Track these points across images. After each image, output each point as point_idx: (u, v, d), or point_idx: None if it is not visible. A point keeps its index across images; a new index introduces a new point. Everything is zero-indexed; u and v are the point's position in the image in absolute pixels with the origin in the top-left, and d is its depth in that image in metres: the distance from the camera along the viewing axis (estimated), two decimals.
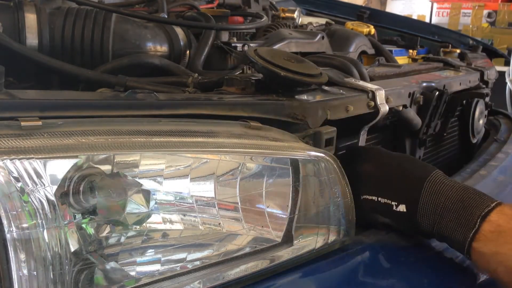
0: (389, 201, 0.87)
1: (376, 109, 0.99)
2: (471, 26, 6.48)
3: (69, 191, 0.60)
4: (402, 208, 0.86)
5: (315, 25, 1.83)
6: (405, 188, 0.87)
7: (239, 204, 0.76)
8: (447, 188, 0.84)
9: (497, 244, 0.78)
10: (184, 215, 0.72)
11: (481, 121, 1.66)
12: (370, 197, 0.89)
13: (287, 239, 0.79)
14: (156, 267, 0.68)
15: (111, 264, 0.64)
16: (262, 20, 1.40)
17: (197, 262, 0.71)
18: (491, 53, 2.18)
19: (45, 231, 0.56)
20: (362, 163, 0.93)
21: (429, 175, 0.86)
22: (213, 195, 0.74)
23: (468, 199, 0.82)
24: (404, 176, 0.88)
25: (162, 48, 1.18)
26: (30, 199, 0.55)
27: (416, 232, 0.88)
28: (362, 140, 1.06)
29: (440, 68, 1.57)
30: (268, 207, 0.78)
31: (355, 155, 0.96)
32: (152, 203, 0.67)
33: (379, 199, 0.88)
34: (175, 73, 1.10)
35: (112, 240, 0.65)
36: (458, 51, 1.88)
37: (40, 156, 0.55)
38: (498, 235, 0.78)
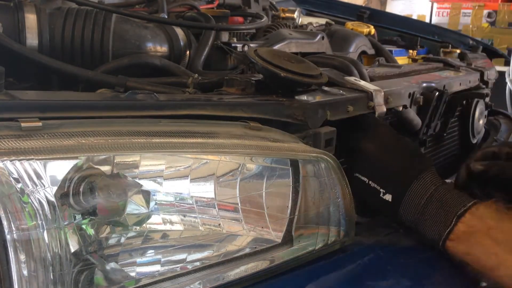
0: (378, 187, 0.89)
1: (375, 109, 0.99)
2: (471, 26, 6.48)
3: (69, 192, 0.60)
4: (388, 197, 0.88)
5: (315, 25, 1.83)
6: (395, 180, 0.88)
7: (239, 204, 0.76)
8: (433, 187, 0.86)
9: (469, 245, 0.80)
10: (184, 216, 0.72)
11: (481, 121, 1.66)
12: (362, 177, 0.90)
13: (287, 240, 0.79)
14: (156, 267, 0.68)
15: (111, 265, 0.64)
16: (262, 20, 1.40)
17: (197, 263, 0.71)
18: (491, 53, 2.18)
19: (45, 232, 0.56)
20: (366, 138, 0.93)
21: (420, 174, 0.87)
22: (213, 196, 0.74)
23: (447, 199, 0.84)
24: (399, 167, 0.89)
25: (162, 49, 1.18)
26: (30, 200, 0.55)
27: (396, 221, 0.91)
28: None
29: (440, 68, 1.57)
30: (268, 207, 0.78)
31: (365, 125, 0.96)
32: (152, 203, 0.67)
33: (370, 182, 0.90)
34: (175, 73, 1.10)
35: (112, 241, 0.65)
36: (458, 51, 1.88)
37: (40, 157, 0.55)
38: (470, 235, 0.80)
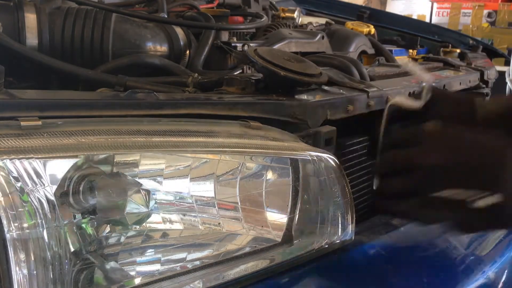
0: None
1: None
2: (471, 26, 6.48)
3: (68, 191, 0.60)
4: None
5: (315, 25, 1.83)
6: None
7: (239, 204, 0.76)
8: None
9: None
10: (184, 215, 0.72)
11: None
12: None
13: (287, 239, 0.79)
14: (156, 267, 0.68)
15: (111, 264, 0.64)
16: (262, 20, 1.40)
17: (197, 262, 0.71)
18: (491, 53, 2.18)
19: (44, 231, 0.56)
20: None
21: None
22: (213, 195, 0.74)
23: None
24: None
25: (162, 48, 1.18)
26: (29, 199, 0.55)
27: None
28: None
29: (440, 68, 1.57)
30: (268, 207, 0.78)
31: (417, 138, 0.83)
32: (152, 203, 0.67)
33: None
34: (175, 73, 1.10)
35: (112, 240, 0.65)
36: (458, 51, 1.88)
37: (39, 156, 0.55)
38: None
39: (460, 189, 0.75)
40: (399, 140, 0.85)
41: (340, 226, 0.81)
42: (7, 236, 0.53)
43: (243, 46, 1.22)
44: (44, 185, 0.56)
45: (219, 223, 0.75)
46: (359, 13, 2.32)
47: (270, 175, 0.79)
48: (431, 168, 0.77)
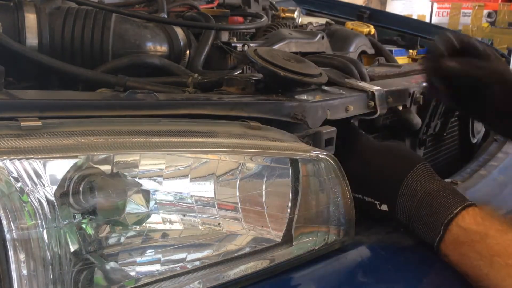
0: (372, 200, 0.89)
1: (375, 109, 1.00)
2: (471, 26, 6.48)
3: (68, 191, 0.60)
4: (384, 207, 0.88)
5: (315, 25, 1.83)
6: (384, 188, 0.88)
7: (239, 204, 0.76)
8: (421, 189, 0.85)
9: (456, 255, 0.80)
10: (184, 215, 0.72)
11: None
12: (356, 195, 0.90)
13: (287, 239, 0.79)
14: (156, 267, 0.68)
15: (111, 264, 0.64)
16: (262, 20, 1.40)
17: (197, 262, 0.71)
18: None
19: (44, 231, 0.56)
20: (349, 159, 0.92)
21: (408, 173, 0.86)
22: (213, 195, 0.74)
23: (436, 203, 0.83)
24: (384, 175, 0.89)
25: (162, 48, 1.18)
26: (29, 199, 0.55)
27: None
28: None
29: None
30: (268, 207, 0.78)
31: (345, 147, 0.96)
32: (151, 203, 0.66)
33: (364, 197, 0.90)
34: (175, 73, 1.10)
35: (111, 240, 0.65)
36: None
37: (39, 156, 0.55)
38: (456, 246, 0.80)
39: None
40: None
41: (340, 226, 0.81)
42: (7, 236, 0.53)
43: (243, 46, 1.22)
44: (44, 185, 0.56)
45: (219, 224, 0.75)
46: (359, 13, 2.32)
47: (270, 175, 0.79)
48: None
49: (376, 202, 0.89)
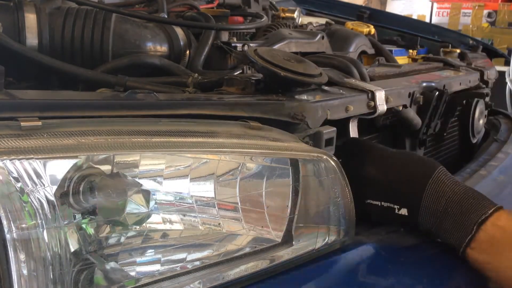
0: (391, 205, 0.89)
1: (375, 109, 0.99)
2: (471, 26, 6.47)
3: (69, 191, 0.60)
4: (403, 211, 0.88)
5: (315, 25, 1.83)
6: (407, 193, 0.88)
7: (239, 204, 0.76)
8: (448, 190, 0.85)
9: (490, 255, 0.80)
10: (184, 215, 0.72)
11: (481, 121, 1.66)
12: (374, 202, 0.90)
13: (287, 239, 0.79)
14: (156, 267, 0.68)
15: (111, 264, 0.64)
16: (262, 20, 1.39)
17: (197, 262, 0.71)
18: (491, 53, 2.18)
19: (45, 231, 0.56)
20: (365, 166, 0.93)
21: (431, 176, 0.86)
22: (213, 195, 0.74)
23: (467, 203, 0.82)
24: (406, 180, 0.89)
25: (162, 48, 1.18)
26: (30, 199, 0.55)
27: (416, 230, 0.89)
28: (353, 131, 1.05)
29: (440, 68, 1.57)
30: (268, 207, 0.78)
31: (357, 154, 0.96)
32: (152, 203, 0.66)
33: (382, 203, 0.90)
34: (175, 73, 1.10)
35: (112, 240, 0.65)
36: (458, 51, 1.88)
37: (40, 156, 0.55)
38: (491, 245, 0.79)
39: None
40: None
41: (340, 226, 0.81)
42: (7, 236, 0.53)
43: (243, 46, 1.22)
44: (44, 185, 0.56)
45: (219, 224, 0.75)
46: (359, 13, 2.33)
47: (270, 175, 0.79)
48: None
49: (395, 207, 0.88)
